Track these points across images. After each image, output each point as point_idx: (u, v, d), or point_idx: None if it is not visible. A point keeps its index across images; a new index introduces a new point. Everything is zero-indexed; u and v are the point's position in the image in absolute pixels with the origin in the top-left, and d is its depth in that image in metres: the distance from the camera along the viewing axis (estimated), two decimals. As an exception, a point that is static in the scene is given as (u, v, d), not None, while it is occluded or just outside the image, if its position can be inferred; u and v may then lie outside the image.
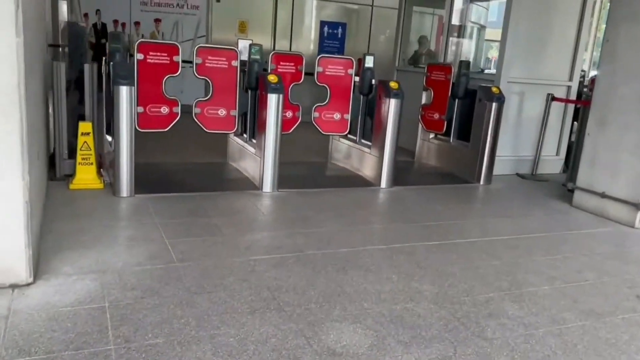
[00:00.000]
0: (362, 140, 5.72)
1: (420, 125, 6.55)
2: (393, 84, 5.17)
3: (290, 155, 6.28)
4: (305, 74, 5.36)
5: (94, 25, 9.71)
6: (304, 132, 5.49)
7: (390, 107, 5.12)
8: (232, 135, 5.54)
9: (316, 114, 5.50)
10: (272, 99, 4.63)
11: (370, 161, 5.43)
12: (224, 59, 4.90)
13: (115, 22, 9.43)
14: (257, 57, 4.99)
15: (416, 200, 4.87)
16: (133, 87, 4.21)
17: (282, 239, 3.58)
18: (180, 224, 3.71)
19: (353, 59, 5.51)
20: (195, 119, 4.91)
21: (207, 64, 4.86)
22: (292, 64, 5.26)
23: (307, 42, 9.37)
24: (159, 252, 3.17)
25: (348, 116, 5.59)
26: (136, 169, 5.00)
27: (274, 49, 9.12)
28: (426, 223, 4.19)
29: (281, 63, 5.20)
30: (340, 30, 9.37)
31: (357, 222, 4.08)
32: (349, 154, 5.87)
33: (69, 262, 2.93)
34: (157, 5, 9.13)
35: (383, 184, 5.25)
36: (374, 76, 5.52)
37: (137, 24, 9.29)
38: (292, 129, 5.39)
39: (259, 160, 4.83)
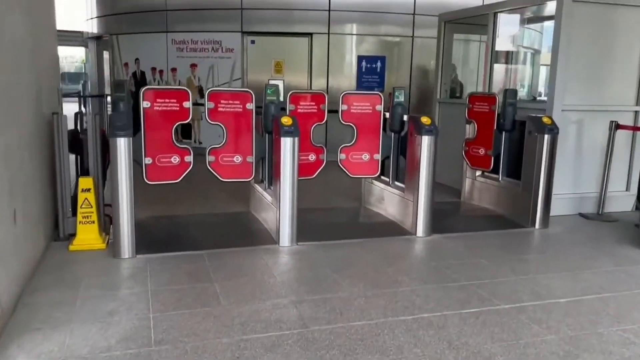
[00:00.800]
0: (396, 182, 5.14)
1: (464, 162, 5.90)
2: (425, 119, 4.60)
3: (319, 201, 5.81)
4: (332, 112, 4.92)
5: (134, 74, 9.79)
6: (336, 174, 5.02)
7: (423, 145, 4.53)
8: (253, 182, 5.12)
9: (342, 156, 5.00)
10: (286, 143, 4.17)
11: (404, 206, 4.84)
12: (238, 102, 4.53)
13: (153, 69, 9.46)
14: (273, 98, 4.58)
15: (456, 253, 4.21)
16: (131, 138, 3.87)
17: (287, 309, 3.04)
18: (175, 292, 3.26)
19: (381, 94, 5.00)
20: (209, 168, 4.54)
21: (220, 109, 4.50)
22: (313, 103, 4.82)
23: (346, 78, 8.97)
24: (137, 331, 2.72)
25: (378, 156, 5.05)
26: (146, 225, 4.68)
27: (310, 87, 8.79)
28: (465, 282, 3.53)
29: (301, 103, 4.77)
30: (379, 64, 8.92)
31: (382, 284, 3.48)
32: (383, 197, 5.30)
33: (28, 347, 2.53)
34: (192, 51, 9.06)
35: (419, 232, 4.63)
36: (406, 111, 4.98)
37: (173, 70, 9.25)
38: (317, 172, 4.92)
39: (275, 210, 4.36)
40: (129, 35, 9.83)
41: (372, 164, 5.07)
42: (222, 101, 4.51)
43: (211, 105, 4.48)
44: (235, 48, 8.90)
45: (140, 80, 9.65)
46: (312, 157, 4.87)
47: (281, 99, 4.74)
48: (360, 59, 8.94)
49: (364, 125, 4.99)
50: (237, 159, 4.59)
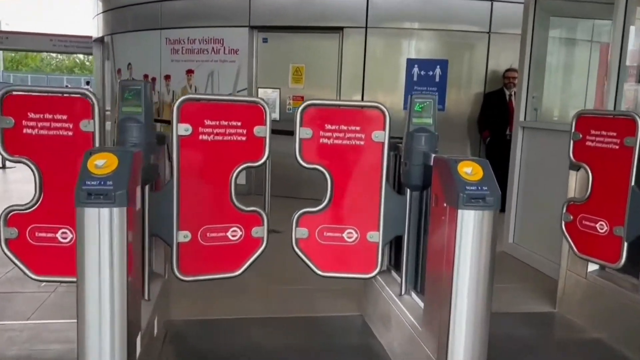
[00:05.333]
0: (412, 294, 2.49)
1: (565, 242, 3.11)
2: (467, 165, 1.92)
3: (294, 301, 3.26)
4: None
5: (126, 83, 7.79)
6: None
7: (462, 231, 1.86)
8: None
9: (303, 232, 2.44)
10: (101, 217, 1.68)
11: (423, 347, 2.17)
12: (65, 117, 2.16)
13: (145, 77, 7.42)
14: (136, 109, 2.15)
15: None
16: None
17: None
18: None
19: (383, 109, 2.38)
20: (5, 251, 2.19)
21: (26, 130, 2.15)
22: (238, 123, 2.31)
23: (389, 91, 6.38)
24: None
25: (377, 236, 2.43)
26: None
27: (339, 102, 6.28)
28: None
29: (206, 122, 2.28)
30: (438, 70, 6.24)
31: None
32: (388, 316, 2.64)
33: None
34: (188, 53, 6.90)
35: None
36: (434, 145, 2.33)
37: (167, 77, 7.16)
38: (249, 262, 2.40)
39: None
40: (122, 35, 7.90)
41: (364, 250, 2.46)
42: (30, 114, 2.16)
43: (9, 122, 2.14)
44: (241, 49, 6.61)
45: (132, 90, 7.65)
46: (234, 233, 2.36)
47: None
48: (410, 63, 6.31)
49: (349, 171, 2.42)
50: (63, 236, 2.20)
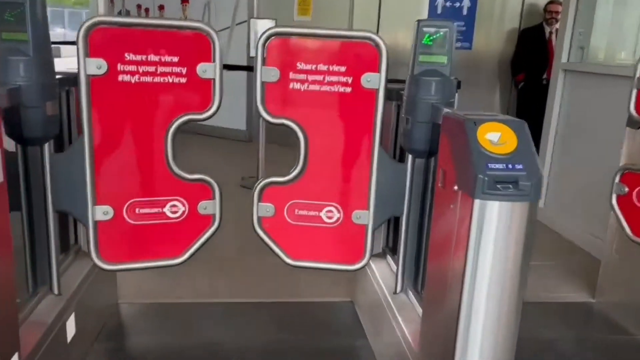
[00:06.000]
0: (409, 294, 1.89)
1: (615, 217, 2.45)
2: (490, 129, 1.26)
3: (268, 282, 2.64)
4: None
5: (119, 13, 7.10)
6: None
7: (480, 235, 1.23)
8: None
9: (268, 208, 1.83)
10: None
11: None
12: None
13: (139, 7, 6.71)
14: (19, 36, 1.51)
15: None
16: None
17: None
18: None
19: (380, 43, 1.70)
20: None
21: None
22: (174, 58, 1.66)
23: (409, 25, 5.56)
24: None
25: (366, 216, 1.81)
26: None
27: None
28: None
29: (128, 56, 1.63)
30: (466, 1, 5.37)
31: None
32: (380, 316, 2.06)
33: None
34: (183, -21, 6.14)
35: None
36: (450, 98, 1.66)
37: (160, 7, 6.43)
38: (193, 248, 1.81)
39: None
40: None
41: (348, 237, 1.85)
42: None
43: None
44: (240, -25, 5.83)
45: (126, 23, 6.96)
46: (174, 208, 1.77)
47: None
48: (434, -6, 5.46)
49: (329, 129, 1.77)
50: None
